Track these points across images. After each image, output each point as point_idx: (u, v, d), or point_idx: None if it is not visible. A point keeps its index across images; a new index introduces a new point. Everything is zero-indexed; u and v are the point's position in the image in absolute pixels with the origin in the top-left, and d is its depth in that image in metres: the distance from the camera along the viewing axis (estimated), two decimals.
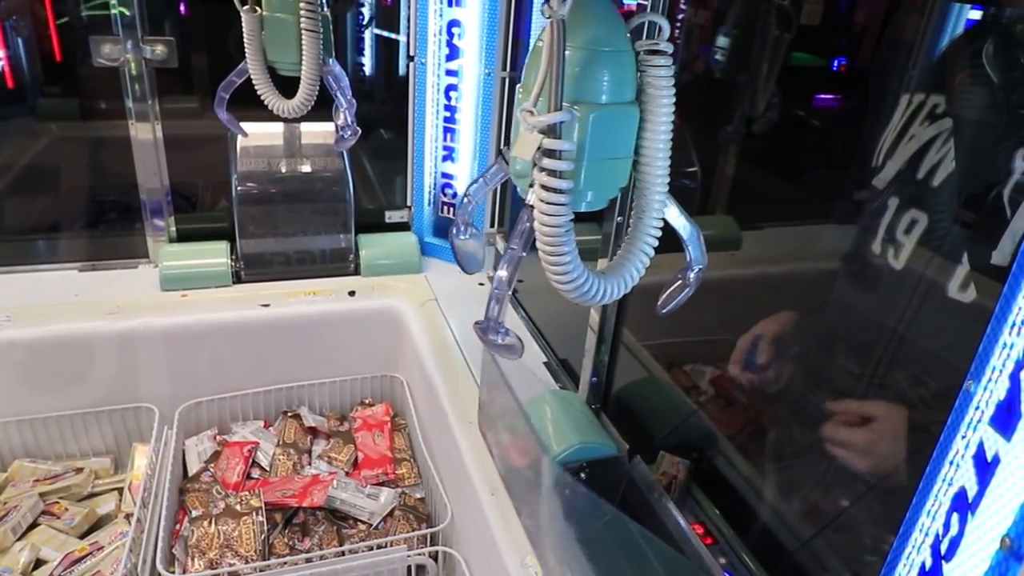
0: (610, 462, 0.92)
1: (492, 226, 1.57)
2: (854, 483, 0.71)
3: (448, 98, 1.46)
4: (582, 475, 0.90)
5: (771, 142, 0.89)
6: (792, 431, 0.83)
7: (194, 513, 1.14)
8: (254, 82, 1.10)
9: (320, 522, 1.18)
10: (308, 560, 1.06)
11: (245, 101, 1.16)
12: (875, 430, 0.67)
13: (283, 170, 1.45)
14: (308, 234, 1.47)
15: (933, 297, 0.62)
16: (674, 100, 0.55)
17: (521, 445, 0.90)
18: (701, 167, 0.99)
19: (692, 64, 0.97)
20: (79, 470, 1.24)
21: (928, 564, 0.43)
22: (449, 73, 1.44)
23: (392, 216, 1.61)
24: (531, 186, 0.54)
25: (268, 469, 1.28)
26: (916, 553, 0.45)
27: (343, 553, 1.11)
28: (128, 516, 1.18)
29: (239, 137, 1.40)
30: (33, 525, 1.15)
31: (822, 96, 0.86)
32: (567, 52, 0.53)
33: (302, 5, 1.00)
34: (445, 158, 1.52)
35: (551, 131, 0.52)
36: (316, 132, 1.49)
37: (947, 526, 0.41)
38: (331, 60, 1.07)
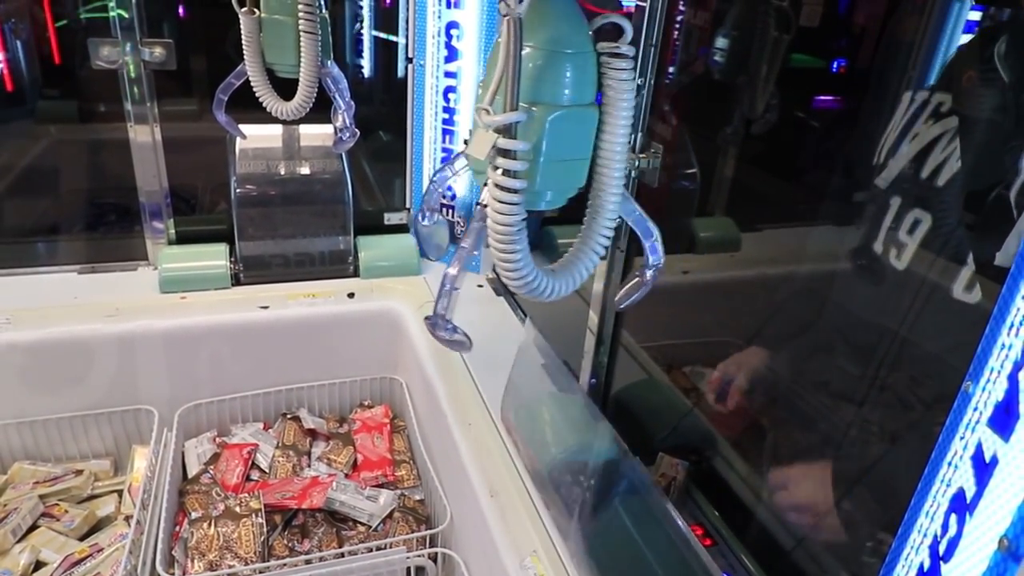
0: (609, 463, 0.92)
1: None
2: (853, 484, 0.71)
3: (447, 100, 1.46)
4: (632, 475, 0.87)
5: (770, 143, 0.89)
6: (791, 433, 0.83)
7: (194, 515, 1.14)
8: (252, 84, 1.10)
9: (319, 524, 1.18)
10: (308, 562, 1.06)
11: (244, 103, 1.16)
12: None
13: (282, 172, 1.45)
14: (307, 236, 1.47)
15: (937, 298, 0.62)
16: (634, 103, 0.55)
17: (561, 436, 0.88)
18: (700, 169, 0.99)
19: (691, 66, 0.97)
20: (79, 472, 1.24)
21: (927, 565, 0.43)
22: (448, 75, 1.44)
23: (391, 218, 1.61)
24: (486, 184, 0.54)
25: (267, 471, 1.28)
26: (915, 554, 0.45)
27: (343, 555, 1.11)
28: (128, 518, 1.18)
29: (238, 139, 1.40)
30: (33, 527, 1.15)
31: (822, 97, 0.86)
32: (527, 51, 0.52)
33: (300, 7, 1.00)
34: (444, 160, 1.53)
35: (506, 131, 0.51)
36: (315, 134, 1.49)
37: (945, 527, 0.41)
38: (329, 62, 1.07)
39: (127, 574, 0.97)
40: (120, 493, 1.24)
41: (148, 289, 1.39)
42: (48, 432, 1.26)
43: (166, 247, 1.46)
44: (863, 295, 0.73)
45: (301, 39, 1.03)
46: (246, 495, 1.16)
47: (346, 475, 1.29)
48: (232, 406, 1.36)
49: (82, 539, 1.15)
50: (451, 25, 1.41)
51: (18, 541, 1.12)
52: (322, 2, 1.03)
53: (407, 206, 1.62)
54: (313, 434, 1.38)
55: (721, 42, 0.91)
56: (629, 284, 0.71)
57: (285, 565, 1.07)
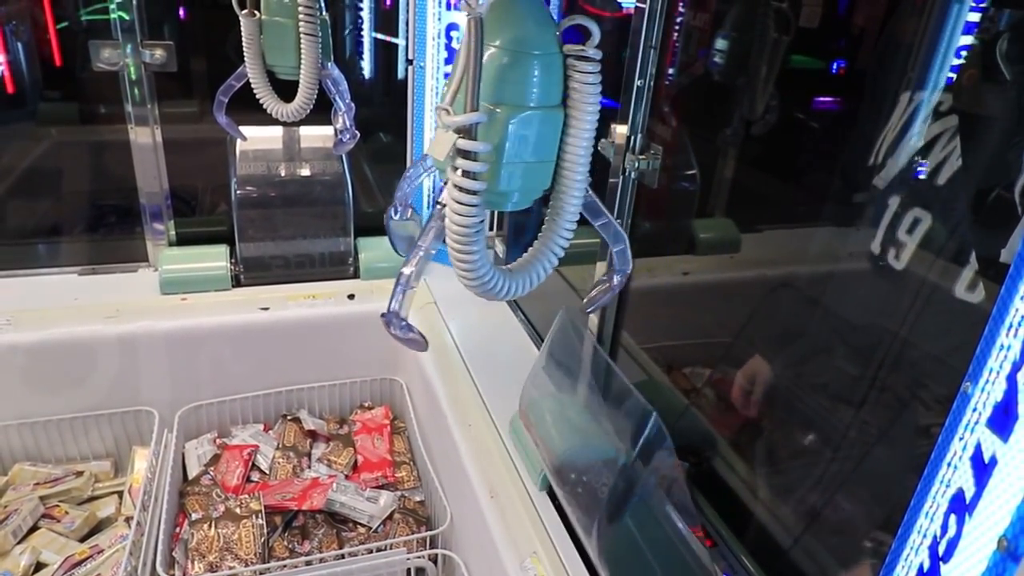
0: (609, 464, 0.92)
1: (491, 229, 1.57)
2: (852, 485, 0.71)
3: None
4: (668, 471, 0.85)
5: (770, 144, 0.89)
6: (791, 434, 0.83)
7: (194, 516, 1.14)
8: (253, 86, 1.11)
9: (320, 525, 1.18)
10: (308, 563, 1.06)
11: (244, 105, 1.16)
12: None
13: (282, 174, 1.46)
14: (307, 238, 1.47)
15: (938, 298, 0.62)
16: (599, 107, 0.54)
17: (602, 431, 0.84)
18: (700, 170, 0.99)
19: (691, 67, 0.97)
20: (79, 473, 1.24)
21: (926, 565, 0.43)
22: (448, 77, 1.44)
23: None
24: (446, 183, 0.54)
25: (268, 472, 1.28)
26: (914, 554, 0.45)
27: (343, 556, 1.11)
28: (128, 519, 1.18)
29: (238, 141, 1.41)
30: (33, 528, 1.15)
31: (821, 99, 0.86)
32: (492, 51, 0.52)
33: (301, 9, 1.00)
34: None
35: (466, 131, 0.51)
36: (315, 136, 1.50)
37: (945, 527, 0.41)
38: (330, 64, 1.08)
39: (127, 575, 0.97)
40: (120, 494, 1.24)
41: (149, 290, 1.39)
42: (48, 433, 1.26)
43: (167, 248, 1.46)
44: (861, 296, 0.73)
45: (301, 41, 1.03)
46: (246, 496, 1.16)
47: (346, 476, 1.29)
48: (232, 407, 1.36)
49: (82, 540, 1.15)
50: (451, 27, 1.41)
51: (19, 542, 1.12)
52: (322, 4, 1.03)
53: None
54: (313, 435, 1.38)
55: (721, 43, 0.92)
56: (596, 289, 0.71)
57: (285, 566, 1.07)
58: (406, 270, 0.63)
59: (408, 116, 1.52)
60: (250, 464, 1.28)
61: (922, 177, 0.63)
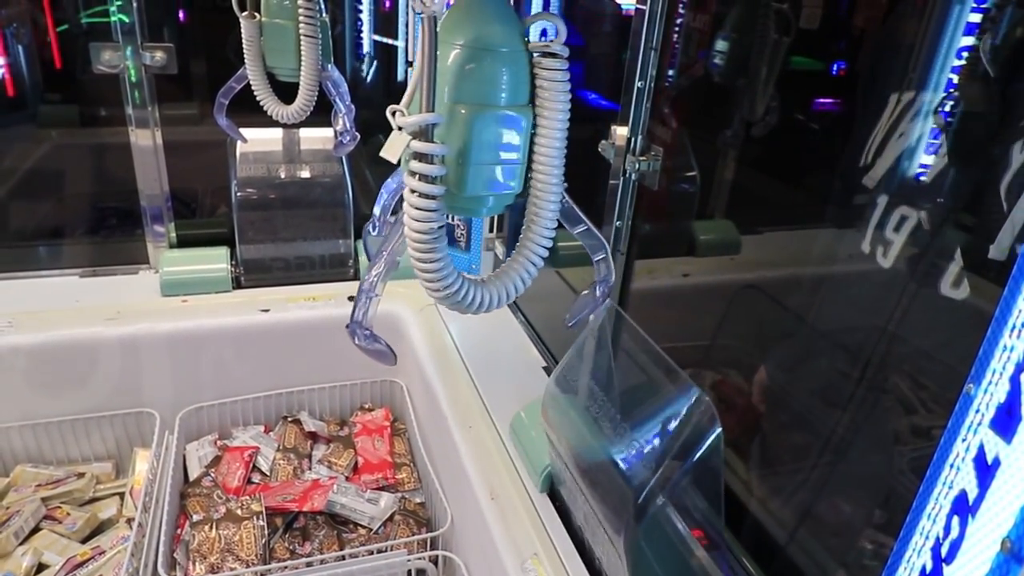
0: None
1: (491, 231, 1.57)
2: (854, 487, 0.71)
3: None
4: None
5: (770, 146, 0.89)
6: (792, 435, 0.83)
7: (195, 517, 1.14)
8: (253, 88, 1.11)
9: (320, 527, 1.18)
10: (309, 564, 1.06)
11: (243, 107, 1.17)
12: None
13: (282, 175, 1.46)
14: (307, 239, 1.47)
15: (924, 295, 0.62)
16: (569, 105, 0.52)
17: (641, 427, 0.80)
18: (700, 171, 0.99)
19: (691, 68, 0.97)
20: (80, 475, 1.24)
21: (928, 567, 0.43)
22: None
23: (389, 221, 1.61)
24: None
25: (268, 474, 1.28)
26: (916, 556, 0.45)
27: (343, 557, 1.11)
28: (129, 521, 1.18)
29: (239, 143, 1.41)
30: (35, 530, 1.15)
31: (821, 100, 0.86)
32: (455, 50, 0.50)
33: (301, 11, 1.01)
34: None
35: (422, 133, 0.49)
36: (315, 137, 1.50)
37: (947, 529, 0.41)
38: (330, 66, 1.08)
39: None
40: (122, 496, 1.24)
41: (149, 292, 1.39)
42: (50, 435, 1.26)
43: (167, 250, 1.47)
44: (851, 295, 0.73)
45: (301, 43, 1.03)
46: (247, 498, 1.16)
47: (347, 478, 1.29)
48: (233, 409, 1.36)
49: (84, 541, 1.15)
50: None
51: (20, 543, 1.12)
52: (322, 6, 1.04)
53: None
54: (314, 437, 1.38)
55: (721, 44, 0.92)
56: (577, 302, 0.69)
57: (286, 568, 1.07)
58: (369, 278, 0.61)
59: None
60: (251, 466, 1.28)
61: (908, 175, 0.64)
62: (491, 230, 1.58)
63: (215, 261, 1.43)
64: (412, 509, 1.24)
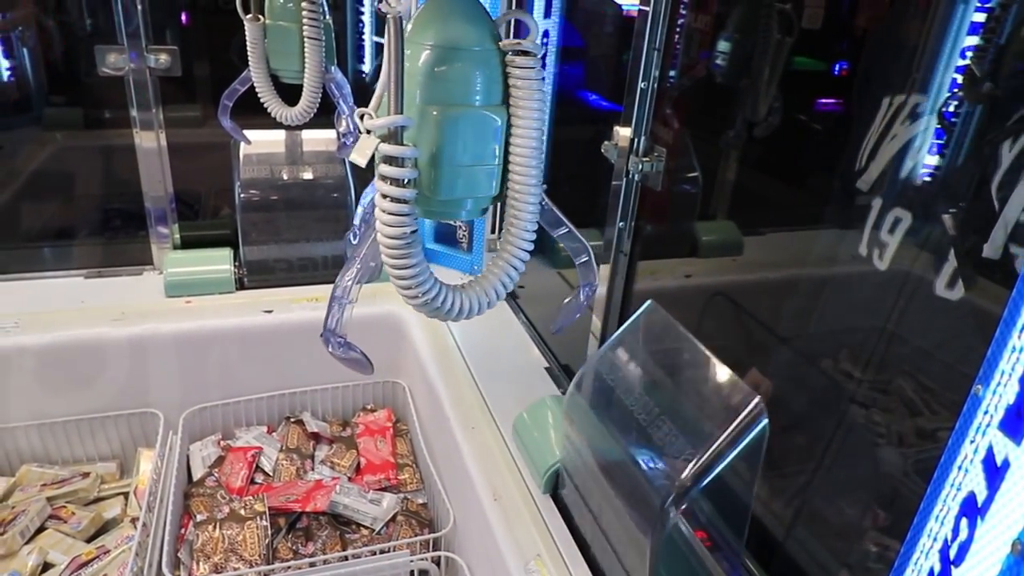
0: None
1: (493, 232, 1.57)
2: (857, 488, 0.70)
3: None
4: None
5: (773, 146, 0.89)
6: (794, 437, 0.82)
7: (199, 517, 1.15)
8: (257, 90, 1.11)
9: (323, 527, 1.18)
10: (312, 564, 1.06)
11: (245, 108, 1.17)
12: None
13: (285, 177, 1.46)
14: (310, 240, 1.47)
15: (920, 296, 0.61)
16: (544, 104, 0.52)
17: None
18: (702, 172, 0.99)
19: (694, 69, 0.97)
20: (85, 475, 1.25)
21: (937, 569, 0.43)
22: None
23: None
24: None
25: (271, 474, 1.29)
26: (924, 558, 0.44)
27: (346, 558, 1.11)
28: (134, 520, 1.19)
29: (242, 145, 1.41)
30: (41, 529, 1.15)
31: (824, 100, 0.86)
32: (427, 50, 0.49)
33: (304, 14, 1.01)
34: None
35: (391, 136, 0.48)
36: (318, 139, 1.50)
37: (956, 531, 0.41)
38: (333, 67, 1.08)
39: (133, 575, 0.97)
40: (126, 495, 1.25)
41: (154, 293, 1.40)
42: (55, 435, 1.27)
43: (171, 252, 1.47)
44: (850, 296, 0.72)
45: (305, 45, 1.03)
46: (250, 498, 1.17)
47: (349, 478, 1.29)
48: (236, 409, 1.36)
49: (89, 541, 1.16)
50: None
51: (26, 542, 1.12)
52: (325, 9, 1.04)
53: None
54: (316, 437, 1.38)
55: (723, 45, 0.91)
56: (563, 308, 0.67)
57: (290, 568, 1.07)
58: (342, 284, 0.60)
59: None
60: (254, 466, 1.28)
61: (901, 177, 0.64)
62: (492, 231, 1.58)
63: (218, 262, 1.43)
64: (414, 510, 1.24)
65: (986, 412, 0.39)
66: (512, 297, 1.50)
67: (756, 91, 0.86)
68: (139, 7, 1.31)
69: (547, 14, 1.24)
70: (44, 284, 1.42)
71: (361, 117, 0.49)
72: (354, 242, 0.72)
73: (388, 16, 0.46)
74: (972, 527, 0.39)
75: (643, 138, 0.91)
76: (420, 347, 1.34)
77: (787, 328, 0.84)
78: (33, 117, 1.89)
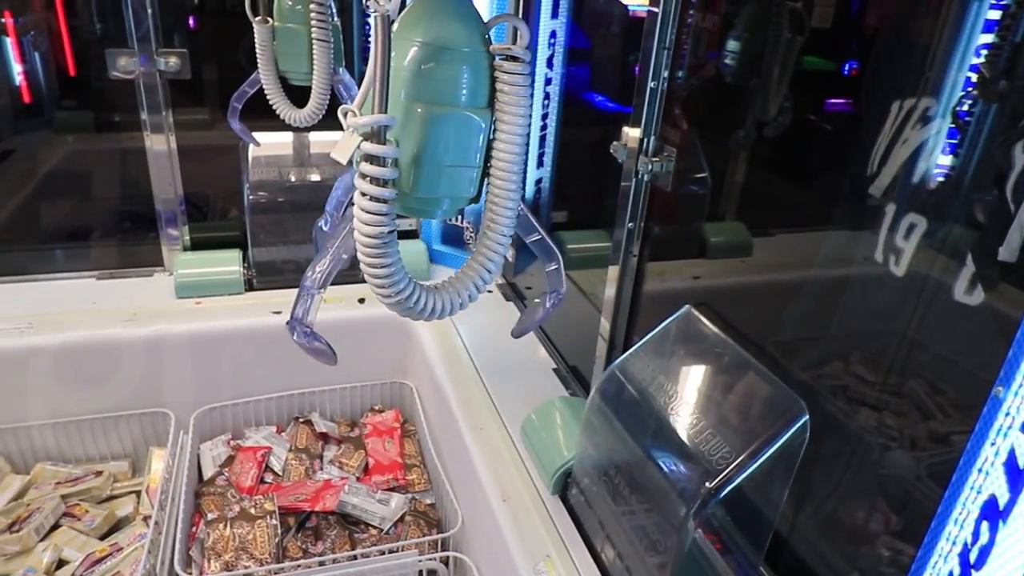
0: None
1: None
2: (868, 491, 0.70)
3: None
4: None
5: (783, 147, 0.88)
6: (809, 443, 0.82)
7: (210, 516, 1.15)
8: (266, 92, 1.12)
9: (332, 526, 1.19)
10: (321, 563, 1.06)
11: (251, 111, 1.18)
12: None
13: (293, 179, 1.47)
14: None
15: (938, 302, 0.61)
16: (530, 111, 0.51)
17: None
18: (711, 172, 0.99)
19: (703, 69, 0.97)
20: (98, 473, 1.26)
21: (956, 572, 0.42)
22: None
23: (400, 224, 1.61)
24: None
25: (281, 474, 1.29)
26: (943, 562, 0.44)
27: (355, 557, 1.11)
28: (146, 518, 1.20)
29: (251, 147, 1.42)
30: (55, 526, 1.17)
31: (833, 100, 0.85)
32: (415, 46, 0.49)
33: (313, 16, 1.01)
34: None
35: (374, 135, 0.47)
36: (326, 141, 1.51)
37: (976, 534, 0.41)
38: (341, 69, 1.09)
39: (146, 573, 0.98)
40: (138, 494, 1.26)
41: (164, 294, 1.41)
42: (69, 434, 1.28)
43: (181, 253, 1.48)
44: (865, 302, 0.72)
45: (314, 47, 1.04)
46: (260, 497, 1.17)
47: (357, 479, 1.29)
48: (246, 410, 1.37)
49: (102, 538, 1.17)
50: None
51: (41, 539, 1.13)
52: (334, 10, 1.04)
53: None
54: (325, 438, 1.38)
55: (733, 44, 0.91)
56: (526, 312, 0.67)
57: (299, 566, 1.07)
58: (311, 274, 0.60)
59: None
60: (263, 465, 1.29)
61: (915, 181, 0.63)
62: None
63: (228, 264, 1.44)
64: (422, 510, 1.24)
65: (1007, 414, 0.38)
66: (519, 298, 1.50)
67: (766, 91, 0.86)
68: (149, 11, 1.32)
69: (554, 14, 1.24)
70: (57, 285, 1.44)
71: (344, 114, 0.49)
72: (325, 229, 0.72)
73: (375, 14, 0.46)
74: (993, 530, 0.39)
75: (653, 138, 0.90)
76: (428, 348, 1.34)
77: (799, 330, 0.84)
78: (45, 121, 1.90)
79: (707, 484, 0.70)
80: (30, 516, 1.14)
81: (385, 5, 0.46)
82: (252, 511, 1.14)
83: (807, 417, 0.67)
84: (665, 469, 0.77)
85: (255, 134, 1.29)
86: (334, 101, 1.10)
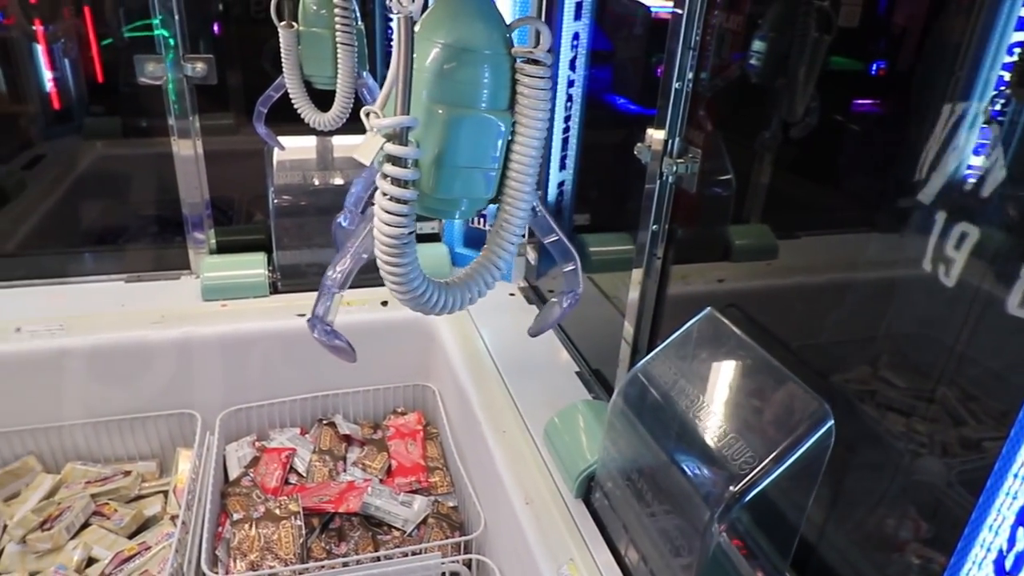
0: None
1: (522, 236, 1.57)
2: (892, 494, 0.69)
3: None
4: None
5: (810, 148, 0.87)
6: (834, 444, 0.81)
7: (235, 516, 1.17)
8: (291, 96, 1.14)
9: (355, 528, 1.20)
10: (345, 564, 1.08)
11: (275, 115, 1.20)
12: None
13: (317, 183, 1.49)
14: None
15: (990, 315, 0.59)
16: (549, 114, 0.51)
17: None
18: (735, 174, 0.98)
19: (727, 69, 0.96)
20: (127, 473, 1.29)
21: None
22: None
23: (423, 227, 1.63)
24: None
25: (305, 475, 1.31)
26: (977, 569, 0.43)
27: (379, 558, 1.12)
28: (173, 518, 1.22)
29: (276, 151, 1.45)
30: (85, 525, 1.19)
31: (860, 101, 0.84)
32: (437, 48, 0.49)
33: (337, 20, 1.03)
34: None
35: (396, 136, 0.48)
36: (350, 145, 1.53)
37: (1012, 541, 0.40)
38: (365, 73, 1.10)
39: (174, 572, 1.00)
40: (166, 494, 1.29)
41: (191, 297, 1.44)
42: (98, 434, 1.31)
43: (207, 256, 1.51)
44: (911, 311, 0.71)
45: (338, 51, 1.05)
46: (285, 498, 1.19)
47: (381, 480, 1.31)
48: (271, 411, 1.39)
49: (131, 537, 1.19)
50: None
51: (72, 538, 1.16)
52: (357, 15, 1.06)
53: None
54: (348, 440, 1.40)
55: (758, 44, 0.90)
56: (543, 311, 0.66)
57: (323, 567, 1.09)
58: (331, 273, 0.59)
59: None
60: (288, 467, 1.31)
61: (967, 190, 0.62)
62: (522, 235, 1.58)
63: (253, 267, 1.47)
64: (445, 513, 1.25)
65: None
66: (542, 301, 1.50)
67: (793, 91, 0.85)
68: (176, 17, 1.35)
69: (577, 16, 1.24)
70: (87, 288, 1.48)
71: (367, 115, 0.49)
72: (345, 225, 0.73)
73: (398, 16, 0.46)
74: None
75: (677, 139, 0.90)
76: (450, 351, 1.35)
77: (825, 334, 0.83)
78: (74, 127, 1.96)
79: (731, 488, 0.70)
80: (61, 515, 1.17)
81: (408, 6, 0.46)
82: (277, 512, 1.15)
83: (832, 421, 0.66)
84: (689, 473, 0.77)
85: (280, 138, 1.32)
86: (358, 105, 1.12)
